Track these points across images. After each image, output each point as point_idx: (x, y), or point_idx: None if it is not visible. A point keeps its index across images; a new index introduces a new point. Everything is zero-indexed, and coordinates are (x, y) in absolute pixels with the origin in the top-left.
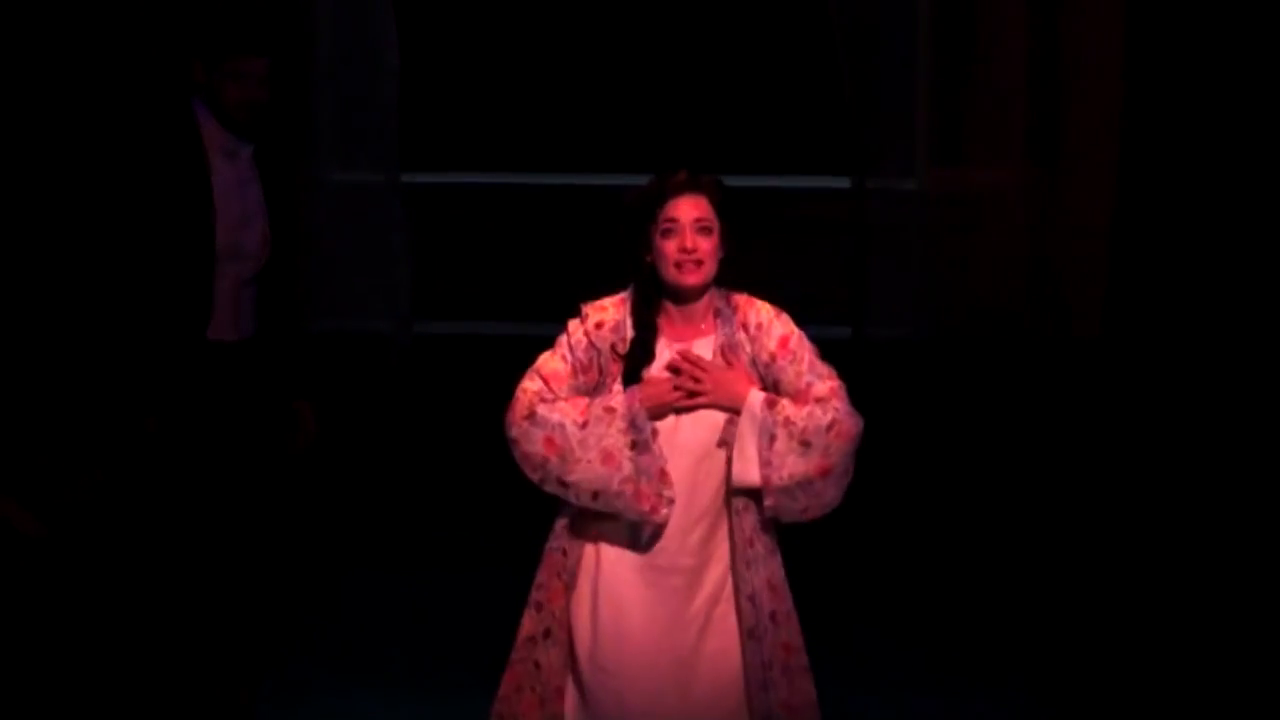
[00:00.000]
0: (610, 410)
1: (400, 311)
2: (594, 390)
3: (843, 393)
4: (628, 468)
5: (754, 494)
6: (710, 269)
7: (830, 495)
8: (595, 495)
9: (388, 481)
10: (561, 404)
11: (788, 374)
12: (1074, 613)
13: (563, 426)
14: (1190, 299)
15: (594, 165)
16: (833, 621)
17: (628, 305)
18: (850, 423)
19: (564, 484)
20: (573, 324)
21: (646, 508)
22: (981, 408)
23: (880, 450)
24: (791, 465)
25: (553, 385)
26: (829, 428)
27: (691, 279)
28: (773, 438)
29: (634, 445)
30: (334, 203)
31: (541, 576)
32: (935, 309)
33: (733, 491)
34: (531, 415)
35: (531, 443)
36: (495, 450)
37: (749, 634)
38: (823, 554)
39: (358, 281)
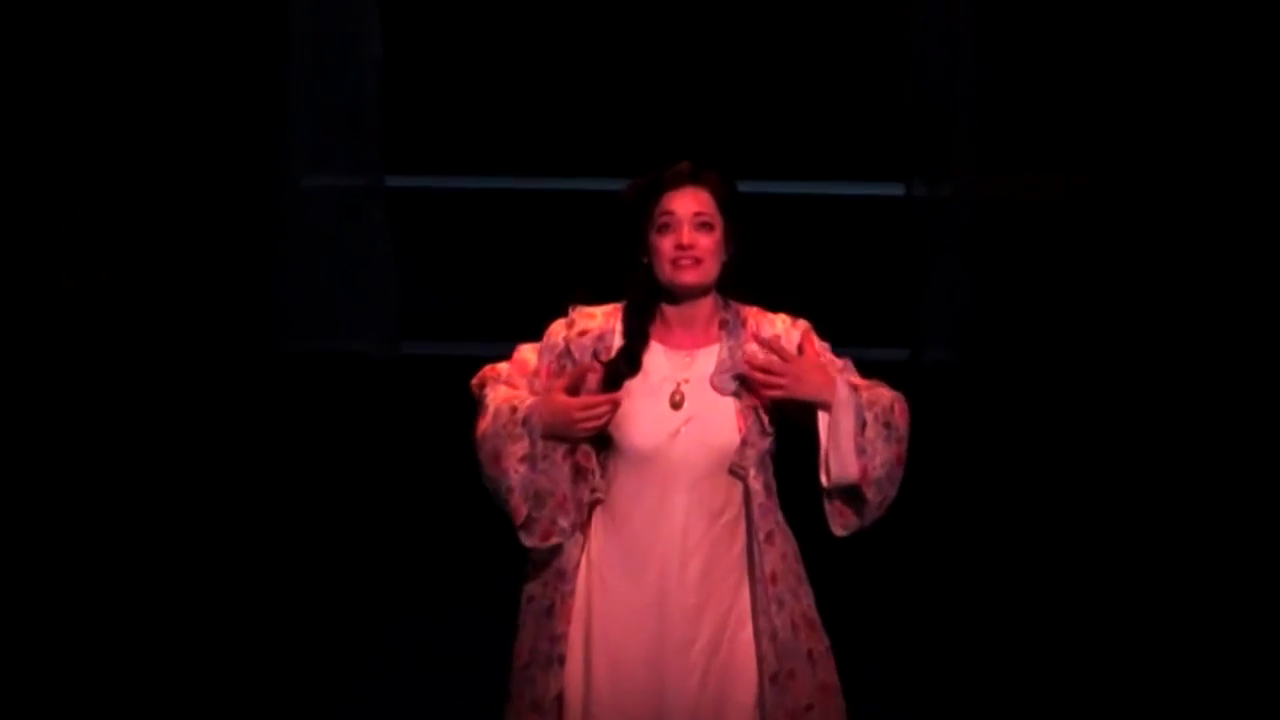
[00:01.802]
0: (513, 410)
1: (386, 330)
2: None
3: None
4: (513, 478)
5: (774, 523)
6: (710, 269)
7: (899, 485)
8: (493, 494)
9: (372, 515)
10: (503, 388)
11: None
12: (1150, 645)
13: (485, 411)
14: (1263, 317)
15: (604, 168)
16: (883, 662)
17: (620, 316)
18: (905, 400)
19: (481, 472)
20: (556, 325)
21: (519, 522)
22: (1030, 435)
23: (930, 484)
24: (883, 451)
25: (512, 371)
26: (892, 406)
27: (688, 277)
28: (864, 424)
29: (525, 458)
30: (310, 209)
31: (559, 627)
32: (979, 327)
33: (752, 523)
34: (481, 387)
35: (475, 417)
36: None
37: (771, 680)
38: (868, 586)
39: (338, 297)
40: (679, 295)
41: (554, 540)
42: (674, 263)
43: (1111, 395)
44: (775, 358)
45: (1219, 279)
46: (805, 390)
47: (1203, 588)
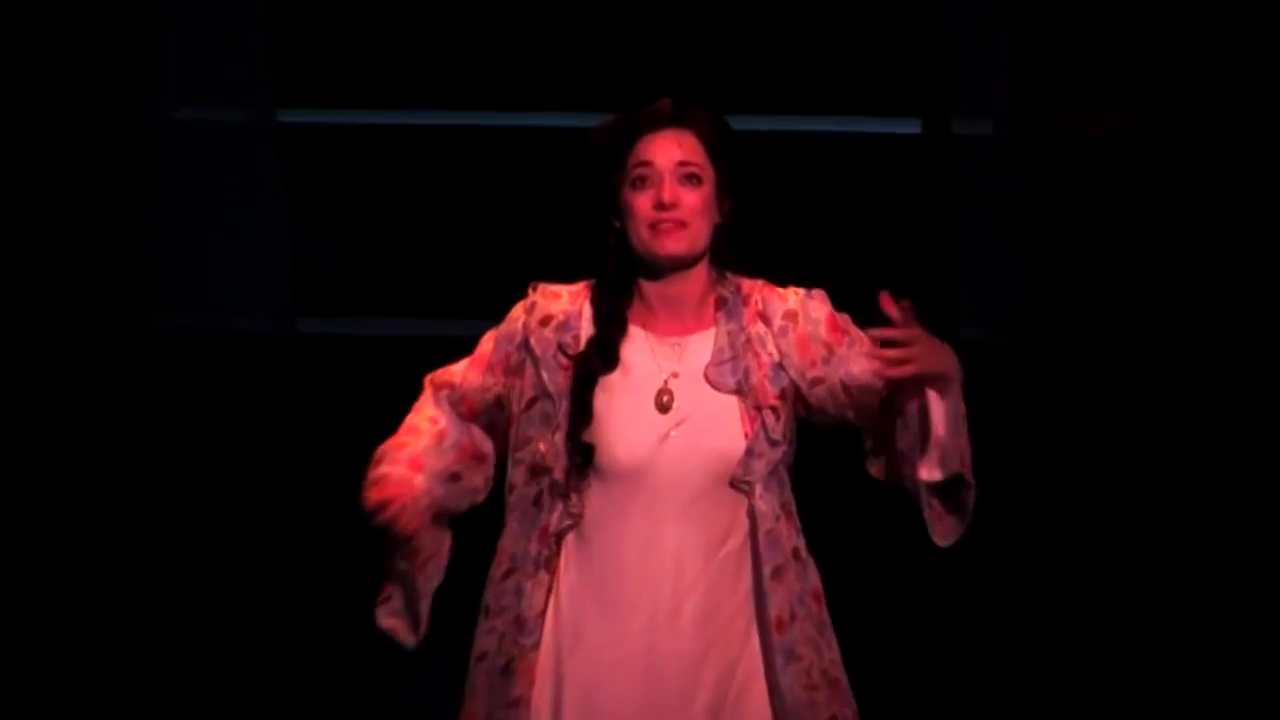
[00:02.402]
0: (376, 464)
1: (279, 303)
2: (507, 400)
3: None
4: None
5: (786, 555)
6: (698, 233)
7: None
8: None
9: (263, 532)
10: (428, 408)
11: (858, 363)
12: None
13: None
14: None
15: (562, 100)
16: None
17: (589, 296)
18: None
19: None
20: (518, 309)
21: (378, 597)
22: (1089, 432)
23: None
24: (965, 434)
25: (468, 369)
26: None
27: (670, 246)
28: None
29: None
30: (184, 151)
31: (518, 691)
32: (1019, 298)
33: (757, 554)
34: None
35: None
36: None
37: None
38: (900, 633)
39: (220, 262)
40: (661, 268)
41: (412, 642)
42: (653, 227)
43: (1190, 383)
44: (902, 329)
45: None
46: (936, 363)
47: None
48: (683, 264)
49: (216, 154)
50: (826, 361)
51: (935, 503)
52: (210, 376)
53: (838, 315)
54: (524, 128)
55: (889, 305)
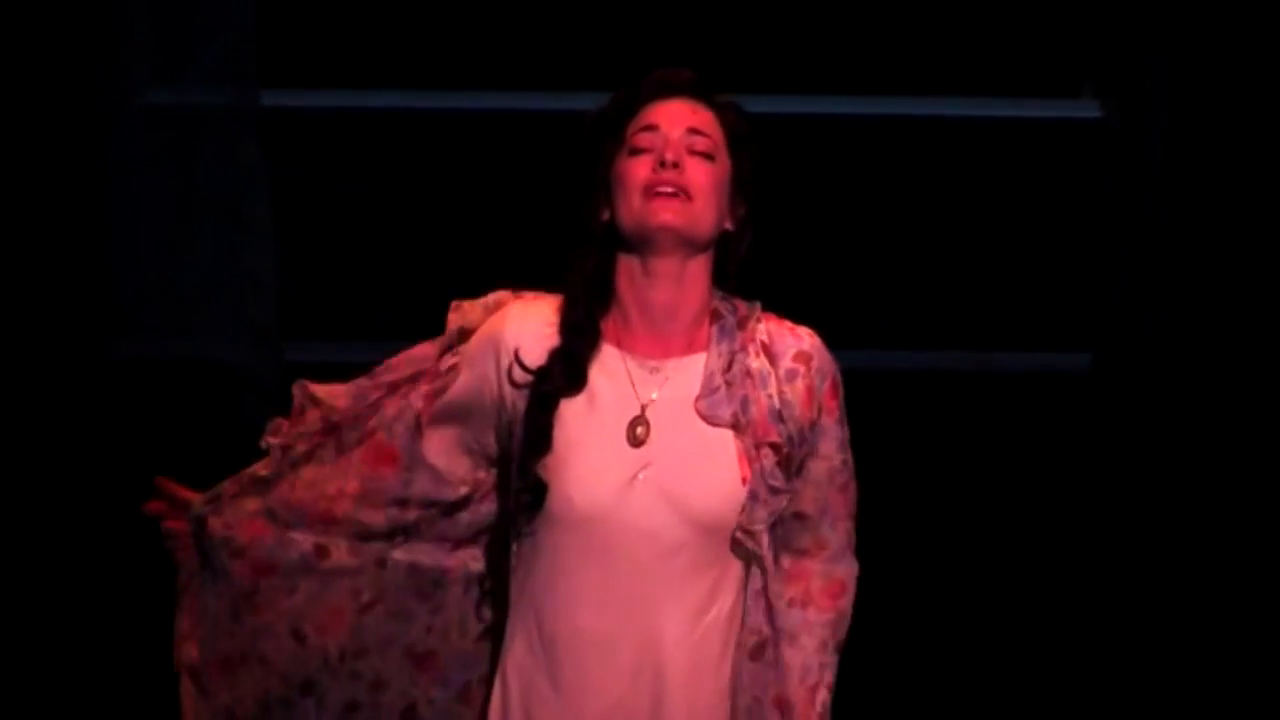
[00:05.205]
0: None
1: (263, 328)
2: (499, 406)
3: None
4: None
5: (768, 628)
6: (701, 213)
7: None
8: None
9: None
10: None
11: (819, 467)
12: None
13: None
14: None
15: (579, 80)
16: None
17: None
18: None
19: None
20: (478, 310)
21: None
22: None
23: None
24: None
25: (446, 389)
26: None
27: (666, 214)
28: None
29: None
30: (151, 139)
31: None
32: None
33: (745, 617)
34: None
35: None
36: None
37: None
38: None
39: (193, 277)
40: (651, 253)
41: None
42: (647, 192)
43: None
44: None
45: None
46: None
47: None
48: (678, 242)
49: (189, 145)
50: (812, 425)
51: None
52: (182, 415)
53: (839, 379)
54: (566, 111)
55: None
